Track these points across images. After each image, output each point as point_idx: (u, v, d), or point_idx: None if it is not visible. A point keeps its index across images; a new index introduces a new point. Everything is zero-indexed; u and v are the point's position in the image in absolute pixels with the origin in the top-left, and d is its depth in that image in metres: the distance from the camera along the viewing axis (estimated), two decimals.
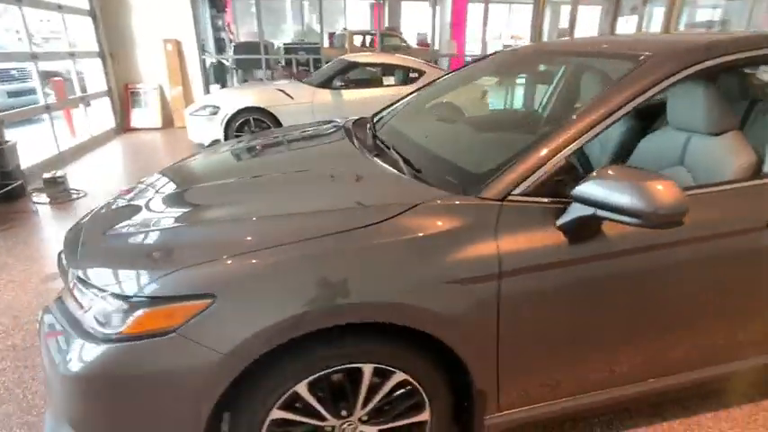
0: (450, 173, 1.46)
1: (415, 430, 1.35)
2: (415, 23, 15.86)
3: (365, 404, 1.27)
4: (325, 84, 5.59)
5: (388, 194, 1.38)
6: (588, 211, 1.17)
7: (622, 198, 1.10)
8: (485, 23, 9.31)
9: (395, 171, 1.51)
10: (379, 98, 5.54)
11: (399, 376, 1.25)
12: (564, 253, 1.23)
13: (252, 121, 5.39)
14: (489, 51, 11.93)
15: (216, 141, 5.41)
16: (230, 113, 5.33)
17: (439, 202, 1.26)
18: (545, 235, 1.23)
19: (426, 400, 1.30)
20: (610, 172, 1.15)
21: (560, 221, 1.23)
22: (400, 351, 1.23)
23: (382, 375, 1.24)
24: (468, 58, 10.08)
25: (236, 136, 5.37)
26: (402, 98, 2.60)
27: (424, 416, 1.33)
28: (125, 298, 1.12)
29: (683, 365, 1.51)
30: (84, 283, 1.21)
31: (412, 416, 1.32)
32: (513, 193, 1.25)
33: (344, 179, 1.58)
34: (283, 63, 10.19)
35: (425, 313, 1.16)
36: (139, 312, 1.09)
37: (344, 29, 12.73)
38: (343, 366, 1.20)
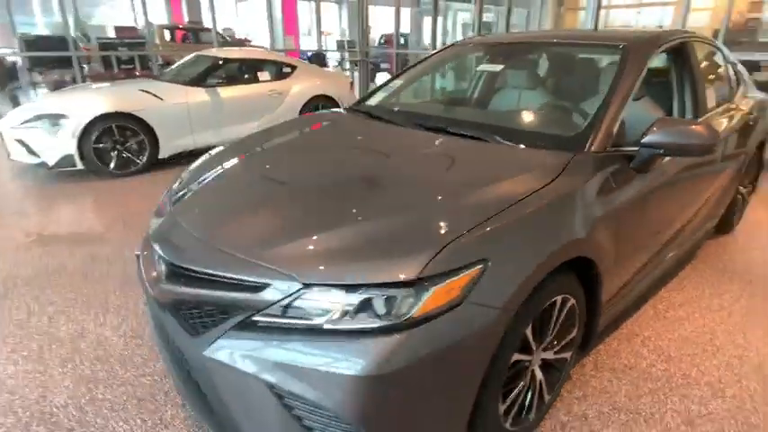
0: (545, 138, 1.79)
1: (566, 349, 1.66)
2: (222, 18, 15.03)
3: (552, 333, 1.52)
4: (198, 82, 5.06)
5: (531, 162, 1.63)
6: (657, 151, 1.65)
7: (683, 139, 1.60)
8: (318, 19, 9.60)
9: (505, 143, 1.76)
10: (258, 94, 5.35)
11: (570, 301, 1.54)
12: (638, 182, 1.72)
13: (115, 129, 4.53)
14: (323, 46, 11.97)
15: (68, 157, 4.37)
16: (84, 123, 4.36)
17: (575, 158, 1.57)
18: (626, 173, 1.68)
19: (578, 317, 1.63)
20: (669, 125, 1.64)
21: (633, 164, 1.69)
22: (571, 279, 1.52)
23: (563, 304, 1.51)
24: (309, 54, 10.25)
25: (96, 149, 4.45)
26: (381, 85, 2.72)
27: (574, 333, 1.65)
28: (406, 284, 1.11)
29: (674, 244, 2.23)
30: (335, 287, 1.14)
31: (568, 335, 1.63)
32: (607, 147, 1.66)
33: (468, 158, 1.74)
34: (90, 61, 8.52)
35: (591, 242, 1.48)
36: (427, 293, 1.11)
37: (149, 22, 11.24)
38: (549, 302, 1.42)
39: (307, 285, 1.17)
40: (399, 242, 1.23)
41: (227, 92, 5.18)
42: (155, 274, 1.52)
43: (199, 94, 5.00)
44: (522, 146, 1.73)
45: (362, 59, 8.61)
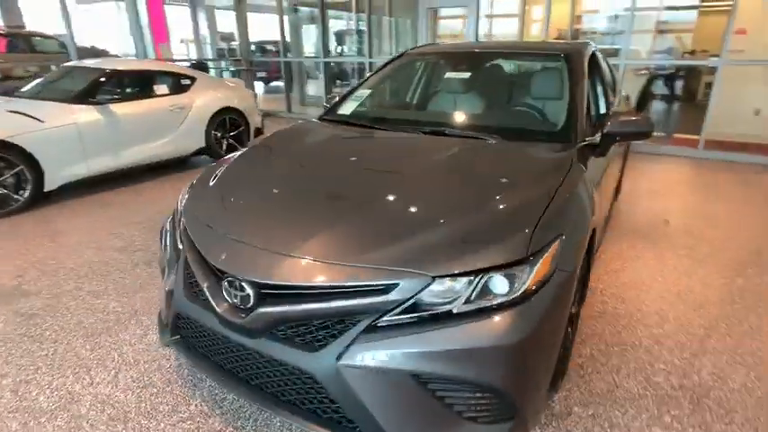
0: (541, 135, 2.15)
1: (579, 302, 2.04)
2: (49, 23, 12.90)
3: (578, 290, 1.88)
4: (85, 98, 4.41)
5: (547, 155, 1.96)
6: (615, 139, 2.13)
7: (634, 128, 2.10)
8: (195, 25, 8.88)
9: (507, 141, 2.06)
10: (159, 110, 4.93)
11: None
12: (600, 163, 2.18)
13: None
14: (202, 54, 11.08)
15: None
16: None
17: (573, 150, 1.95)
18: (593, 158, 2.12)
19: (584, 276, 2.02)
20: (623, 118, 2.13)
21: (598, 150, 2.15)
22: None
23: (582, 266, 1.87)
24: (187, 64, 9.38)
25: None
26: (345, 96, 2.83)
27: (581, 290, 2.04)
28: (521, 262, 1.32)
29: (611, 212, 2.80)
30: (461, 275, 1.30)
31: (581, 292, 2.01)
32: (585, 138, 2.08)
33: (490, 156, 2.00)
34: None
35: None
36: (535, 267, 1.33)
37: None
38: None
39: (434, 278, 1.30)
40: (498, 231, 1.43)
41: (122, 109, 4.61)
42: (227, 304, 1.46)
43: (89, 113, 4.37)
44: (524, 142, 2.06)
45: (247, 69, 8.32)
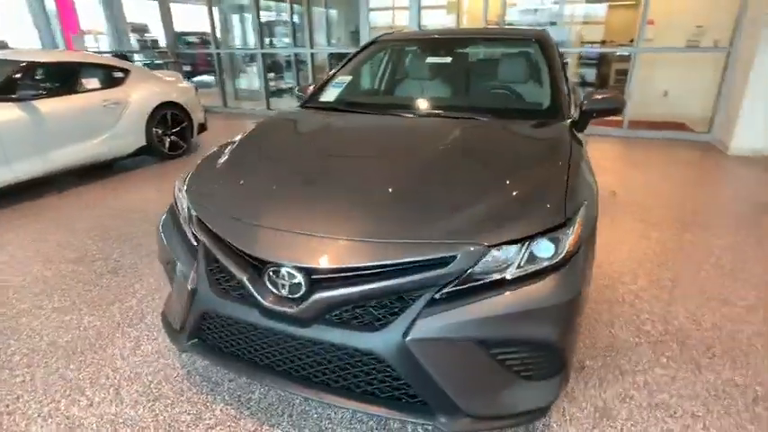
0: (536, 114, 2.26)
1: None
2: None
3: None
4: (1, 94, 3.87)
5: (548, 131, 2.07)
6: (592, 115, 2.31)
7: (609, 104, 2.29)
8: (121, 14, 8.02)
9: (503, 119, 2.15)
10: (91, 107, 4.49)
11: None
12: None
13: None
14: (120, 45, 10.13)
15: None
16: None
17: (567, 126, 2.09)
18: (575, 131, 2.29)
19: None
20: (598, 96, 2.31)
21: (578, 126, 2.32)
22: None
23: None
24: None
25: None
26: (323, 84, 2.78)
27: None
28: (563, 226, 1.40)
29: None
30: (512, 243, 1.35)
31: None
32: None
33: (497, 133, 2.07)
34: None
35: None
36: (572, 229, 1.42)
37: None
38: None
39: (489, 248, 1.35)
40: (534, 199, 1.51)
41: (48, 105, 4.11)
42: (272, 296, 1.40)
43: (8, 111, 3.85)
44: (518, 120, 2.17)
45: (175, 61, 7.76)
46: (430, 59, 2.79)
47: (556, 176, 1.62)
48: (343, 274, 1.35)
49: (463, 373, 1.35)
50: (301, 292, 1.36)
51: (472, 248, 1.34)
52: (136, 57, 10.00)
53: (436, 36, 3.10)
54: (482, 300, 1.32)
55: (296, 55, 10.19)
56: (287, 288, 1.37)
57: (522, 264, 1.37)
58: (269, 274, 1.39)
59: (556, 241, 1.40)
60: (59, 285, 2.67)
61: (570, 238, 1.42)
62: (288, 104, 9.39)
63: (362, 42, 8.03)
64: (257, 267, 1.43)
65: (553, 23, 10.22)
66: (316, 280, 1.36)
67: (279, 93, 10.32)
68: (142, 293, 2.58)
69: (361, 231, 1.40)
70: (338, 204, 1.55)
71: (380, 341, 1.32)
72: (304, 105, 2.69)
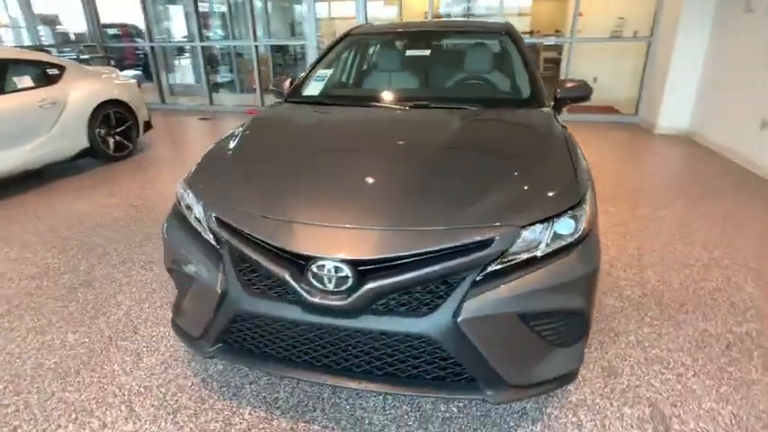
0: (509, 102, 2.37)
1: None
2: None
3: None
4: None
5: (540, 117, 2.19)
6: (566, 101, 2.49)
7: (580, 92, 2.48)
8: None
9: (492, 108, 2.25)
10: (25, 107, 4.08)
11: None
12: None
13: None
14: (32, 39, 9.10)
15: None
16: None
17: (551, 113, 2.23)
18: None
19: None
20: (569, 84, 2.50)
21: (555, 111, 2.50)
22: None
23: None
24: None
25: None
26: (304, 78, 2.75)
27: None
28: (579, 204, 1.53)
29: None
30: (540, 222, 1.45)
31: None
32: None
33: (494, 121, 2.17)
34: None
35: None
36: (586, 207, 1.55)
37: None
38: None
39: (522, 228, 1.44)
40: (550, 182, 1.62)
41: None
42: (318, 290, 1.40)
43: None
44: (506, 109, 2.29)
45: (103, 56, 7.14)
46: (410, 52, 2.83)
47: (562, 160, 1.75)
48: (390, 264, 1.38)
49: (506, 347, 1.44)
50: (348, 285, 1.37)
51: (507, 230, 1.42)
52: (54, 52, 9.07)
53: (413, 29, 3.15)
54: (520, 277, 1.41)
55: (235, 48, 9.78)
56: (333, 282, 1.38)
57: (548, 242, 1.48)
58: (313, 270, 1.39)
59: (575, 219, 1.52)
60: (27, 304, 2.43)
61: (586, 215, 1.55)
62: (229, 99, 9.01)
63: (303, 33, 7.88)
64: (297, 264, 1.42)
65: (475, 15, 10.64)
66: (362, 271, 1.38)
67: (215, 87, 9.84)
68: (128, 304, 2.42)
69: (402, 221, 1.43)
70: (369, 196, 1.57)
71: (432, 324, 1.37)
72: (289, 100, 2.64)
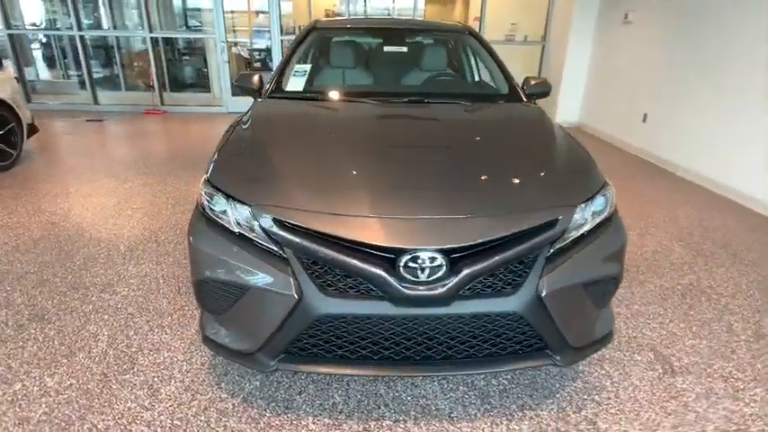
0: (492, 97, 2.57)
1: None
2: None
3: None
4: None
5: (528, 111, 2.40)
6: (534, 96, 2.79)
7: (545, 88, 2.79)
8: None
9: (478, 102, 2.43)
10: None
11: None
12: None
13: None
14: None
15: None
16: None
17: (535, 106, 2.48)
18: None
19: None
20: (533, 81, 2.79)
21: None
22: None
23: None
24: None
25: None
26: (278, 74, 2.64)
27: None
28: (605, 185, 1.75)
29: None
30: (585, 202, 1.63)
31: None
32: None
33: (488, 114, 2.35)
34: None
35: None
36: (612, 191, 1.79)
37: None
38: None
39: (576, 207, 1.61)
40: (580, 167, 1.82)
41: None
42: (410, 284, 1.41)
43: None
44: (497, 103, 2.48)
45: None
46: (388, 48, 2.87)
47: (577, 148, 1.98)
48: (479, 249, 1.44)
49: (572, 314, 1.60)
50: (441, 273, 1.40)
51: (567, 210, 1.58)
52: None
53: (382, 26, 3.18)
54: (579, 251, 1.58)
55: (117, 39, 8.64)
56: (426, 272, 1.40)
57: (590, 219, 1.68)
58: (405, 262, 1.39)
59: (606, 197, 1.75)
60: None
61: (612, 193, 1.79)
62: (108, 96, 7.89)
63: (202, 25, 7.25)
64: (388, 258, 1.41)
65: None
66: (453, 259, 1.42)
67: (83, 85, 8.56)
68: (107, 333, 2.07)
69: (483, 207, 1.52)
70: (436, 186, 1.61)
71: (518, 301, 1.47)
72: (269, 96, 2.50)
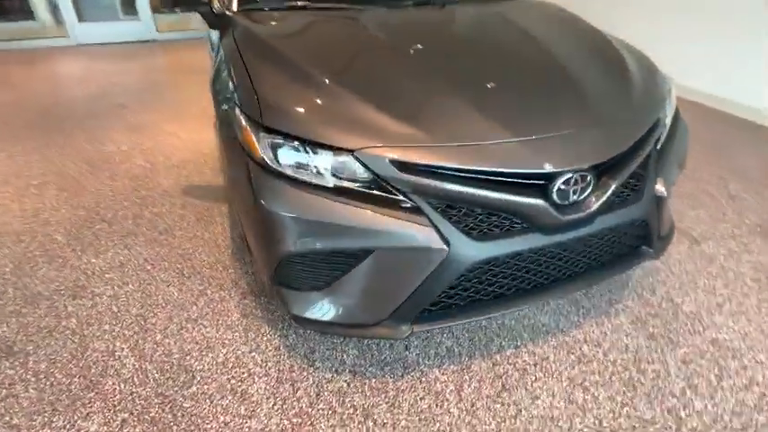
0: None
1: None
2: None
3: None
4: None
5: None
6: None
7: None
8: None
9: None
10: None
11: None
12: None
13: None
14: None
15: None
16: None
17: None
18: None
19: None
20: None
21: None
22: None
23: None
24: None
25: None
26: None
27: None
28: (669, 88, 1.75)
29: None
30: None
31: None
32: None
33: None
34: None
35: None
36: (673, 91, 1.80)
37: None
38: None
39: (665, 101, 1.60)
40: (640, 61, 1.77)
41: None
42: (563, 208, 1.29)
43: None
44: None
45: None
46: None
47: (622, 43, 1.92)
48: (617, 160, 1.35)
49: (665, 208, 1.65)
50: (588, 192, 1.31)
51: (662, 106, 1.57)
52: None
53: None
54: (670, 144, 1.60)
55: None
56: (576, 193, 1.28)
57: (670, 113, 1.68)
58: (559, 187, 1.25)
59: (670, 97, 1.75)
60: None
61: (674, 92, 1.78)
62: None
63: None
64: (537, 185, 1.25)
65: None
66: (598, 174, 1.32)
67: None
68: (126, 347, 1.61)
69: (608, 116, 1.42)
70: (545, 99, 1.45)
71: (643, 206, 1.45)
72: (244, 9, 1.95)
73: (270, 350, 1.60)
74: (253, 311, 1.76)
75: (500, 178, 1.23)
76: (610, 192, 1.33)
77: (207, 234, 2.21)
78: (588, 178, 1.28)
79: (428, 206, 1.23)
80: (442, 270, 1.25)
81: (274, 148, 1.27)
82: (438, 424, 1.36)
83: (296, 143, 1.26)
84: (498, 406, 1.42)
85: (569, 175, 1.24)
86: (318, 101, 1.35)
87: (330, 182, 1.25)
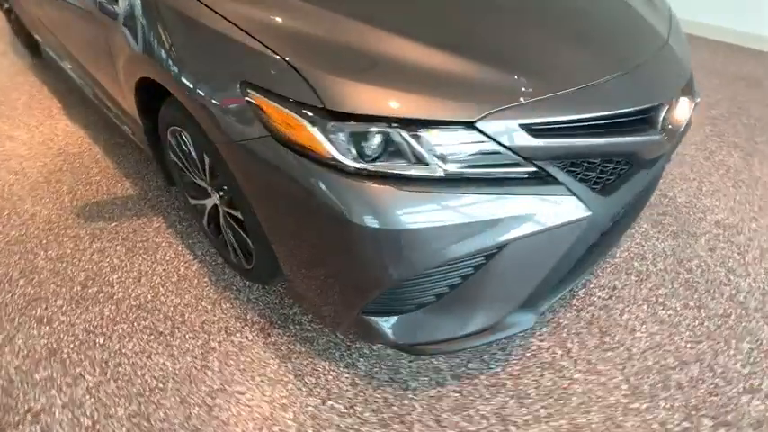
0: None
1: None
2: None
3: None
4: None
5: None
6: None
7: None
8: None
9: None
10: None
11: None
12: None
13: None
14: None
15: None
16: None
17: None
18: None
19: None
20: None
21: None
22: None
23: None
24: None
25: None
26: None
27: None
28: None
29: None
30: None
31: None
32: None
33: None
34: None
35: None
36: None
37: None
38: None
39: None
40: None
41: None
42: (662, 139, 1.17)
43: None
44: None
45: None
46: None
47: None
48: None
49: None
50: (681, 114, 1.21)
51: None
52: None
53: None
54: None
55: None
56: (666, 122, 1.17)
57: None
58: (663, 118, 1.12)
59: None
60: None
61: None
62: None
63: None
64: (646, 118, 1.10)
65: None
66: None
67: None
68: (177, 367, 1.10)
69: (665, 42, 1.27)
70: (622, 31, 1.27)
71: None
72: None
73: (346, 388, 1.27)
74: (290, 347, 1.36)
75: (618, 120, 1.04)
76: (692, 108, 1.25)
77: (159, 267, 1.60)
78: (684, 106, 1.18)
79: (561, 172, 0.99)
80: (582, 239, 1.06)
81: (357, 139, 0.86)
82: (575, 398, 1.26)
83: (385, 126, 0.87)
84: (610, 353, 1.37)
85: (666, 107, 1.12)
86: (398, 63, 0.94)
87: (438, 170, 0.91)
